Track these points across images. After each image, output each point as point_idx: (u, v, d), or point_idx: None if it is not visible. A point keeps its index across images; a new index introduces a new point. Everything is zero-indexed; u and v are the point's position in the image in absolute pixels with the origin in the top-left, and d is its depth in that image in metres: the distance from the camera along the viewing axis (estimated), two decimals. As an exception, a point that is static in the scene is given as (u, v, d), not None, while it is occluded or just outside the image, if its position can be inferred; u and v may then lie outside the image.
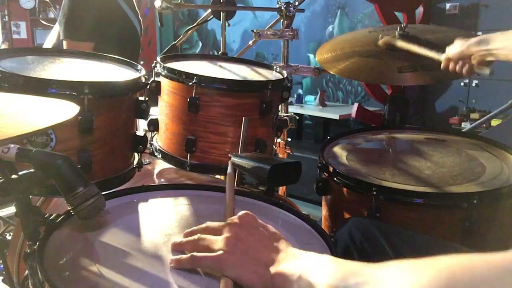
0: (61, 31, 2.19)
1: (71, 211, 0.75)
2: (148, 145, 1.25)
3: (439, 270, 0.48)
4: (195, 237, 0.72)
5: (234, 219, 0.72)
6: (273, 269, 0.64)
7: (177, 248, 0.74)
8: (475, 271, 0.45)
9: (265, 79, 1.31)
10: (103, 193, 0.78)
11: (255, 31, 1.89)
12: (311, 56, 4.70)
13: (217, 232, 0.71)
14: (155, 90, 1.23)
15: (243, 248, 0.67)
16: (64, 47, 2.15)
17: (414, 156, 1.30)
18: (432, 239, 0.95)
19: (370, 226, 0.98)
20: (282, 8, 1.85)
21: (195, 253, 0.69)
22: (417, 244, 0.92)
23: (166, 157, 1.27)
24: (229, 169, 0.99)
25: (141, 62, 1.32)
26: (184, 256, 0.70)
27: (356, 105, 3.30)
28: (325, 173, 1.24)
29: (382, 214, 1.09)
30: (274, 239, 0.70)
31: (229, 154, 1.06)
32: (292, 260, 0.64)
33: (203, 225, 0.75)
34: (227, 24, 1.87)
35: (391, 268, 0.54)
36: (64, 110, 0.68)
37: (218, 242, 0.68)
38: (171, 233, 0.81)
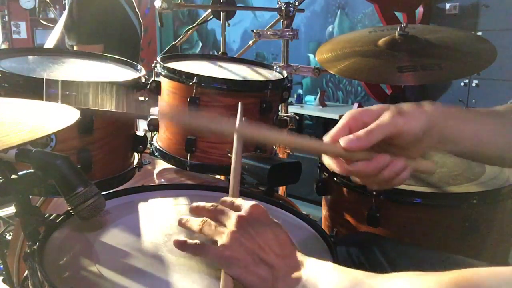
0: (72, 37, 2.19)
1: (71, 211, 0.75)
2: (148, 145, 1.25)
3: (446, 283, 0.47)
4: (202, 219, 0.70)
5: (243, 212, 0.68)
6: (276, 274, 0.63)
7: (182, 226, 0.73)
8: (482, 285, 0.45)
9: (265, 79, 1.31)
10: (103, 193, 0.78)
11: (255, 31, 1.89)
12: (311, 56, 4.70)
13: (225, 218, 0.69)
14: (155, 90, 1.23)
15: (248, 247, 0.64)
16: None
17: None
18: (430, 252, 0.94)
19: (367, 240, 0.98)
20: (282, 8, 1.85)
21: (200, 243, 0.67)
22: (415, 258, 0.91)
23: (166, 157, 1.27)
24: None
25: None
26: (190, 241, 0.68)
27: (356, 105, 3.30)
28: (325, 173, 1.24)
29: (382, 214, 1.09)
30: (281, 241, 0.67)
31: (229, 154, 1.07)
32: (296, 266, 0.63)
33: (211, 206, 0.72)
34: (227, 24, 1.87)
35: (396, 280, 0.53)
36: (65, 114, 0.68)
37: (223, 235, 0.66)
38: (171, 233, 0.81)
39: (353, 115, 0.70)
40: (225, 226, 0.68)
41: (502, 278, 0.45)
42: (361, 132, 0.67)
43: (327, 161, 0.72)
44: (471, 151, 0.73)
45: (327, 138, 0.70)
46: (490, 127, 0.71)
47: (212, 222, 0.69)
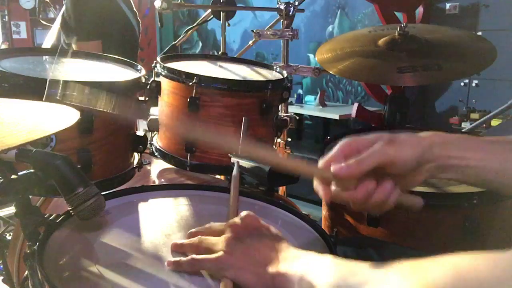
0: (70, 35, 2.19)
1: (71, 211, 0.75)
2: (148, 145, 1.25)
3: (445, 269, 0.47)
4: (196, 239, 0.72)
5: (236, 219, 0.71)
6: (273, 270, 0.64)
7: (178, 249, 0.73)
8: (481, 271, 0.45)
9: (265, 79, 1.31)
10: (103, 193, 0.78)
11: (255, 31, 1.89)
12: (311, 56, 4.70)
13: (219, 233, 0.71)
14: (155, 90, 1.23)
15: (243, 248, 0.66)
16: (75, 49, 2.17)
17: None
18: (427, 256, 0.94)
19: (364, 244, 0.98)
20: (282, 8, 1.85)
21: (194, 256, 0.68)
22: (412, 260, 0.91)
23: (166, 157, 1.26)
24: (234, 171, 0.99)
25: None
26: (183, 259, 0.69)
27: (356, 105, 3.30)
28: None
29: (382, 214, 1.09)
30: (275, 240, 0.69)
31: (229, 154, 1.06)
32: (293, 260, 0.64)
33: (206, 226, 0.75)
34: (227, 24, 1.87)
35: (394, 267, 0.53)
36: (65, 114, 0.68)
37: (219, 243, 0.68)
38: (171, 233, 0.81)
39: (348, 143, 0.72)
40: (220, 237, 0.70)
41: (501, 264, 0.45)
42: (352, 160, 0.69)
43: (316, 185, 0.74)
44: (477, 180, 0.72)
45: (321, 163, 0.73)
46: (498, 156, 0.70)
47: (207, 238, 0.71)
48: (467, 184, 0.77)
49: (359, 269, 0.57)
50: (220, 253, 0.66)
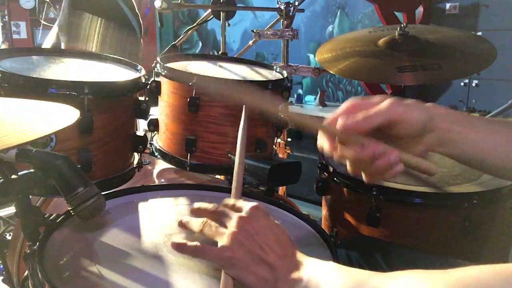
0: (65, 35, 2.19)
1: (71, 211, 0.75)
2: (148, 145, 1.25)
3: (453, 284, 0.47)
4: (203, 220, 0.70)
5: (244, 213, 0.68)
6: (276, 274, 0.63)
7: (183, 227, 0.73)
8: (489, 286, 0.45)
9: (265, 79, 1.31)
10: (103, 193, 0.78)
11: (255, 31, 1.89)
12: (311, 56, 4.70)
13: (225, 219, 0.68)
14: (155, 90, 1.23)
15: (248, 248, 0.64)
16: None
17: (414, 156, 1.30)
18: (430, 256, 0.93)
19: (367, 244, 0.98)
20: (282, 8, 1.85)
21: (200, 245, 0.67)
22: (415, 262, 0.90)
23: (166, 157, 1.27)
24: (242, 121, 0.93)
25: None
26: (189, 243, 0.68)
27: (356, 105, 3.29)
28: (325, 173, 1.24)
29: (382, 214, 1.09)
30: (281, 241, 0.67)
31: (229, 154, 1.07)
32: (297, 267, 0.63)
33: (212, 207, 0.72)
34: (227, 24, 1.87)
35: (402, 279, 0.53)
36: (65, 114, 0.68)
37: (224, 236, 0.66)
38: (171, 233, 0.81)
39: (354, 102, 0.70)
40: (225, 227, 0.68)
41: (509, 278, 0.44)
42: (360, 115, 0.67)
43: (321, 141, 0.72)
44: (472, 158, 0.71)
45: (327, 120, 0.71)
46: (497, 136, 0.69)
47: (213, 223, 0.69)
48: (462, 162, 0.75)
49: (366, 280, 0.57)
50: (224, 248, 0.64)
